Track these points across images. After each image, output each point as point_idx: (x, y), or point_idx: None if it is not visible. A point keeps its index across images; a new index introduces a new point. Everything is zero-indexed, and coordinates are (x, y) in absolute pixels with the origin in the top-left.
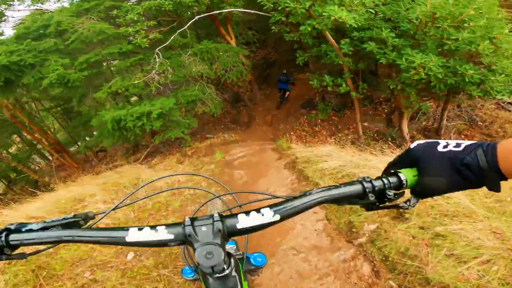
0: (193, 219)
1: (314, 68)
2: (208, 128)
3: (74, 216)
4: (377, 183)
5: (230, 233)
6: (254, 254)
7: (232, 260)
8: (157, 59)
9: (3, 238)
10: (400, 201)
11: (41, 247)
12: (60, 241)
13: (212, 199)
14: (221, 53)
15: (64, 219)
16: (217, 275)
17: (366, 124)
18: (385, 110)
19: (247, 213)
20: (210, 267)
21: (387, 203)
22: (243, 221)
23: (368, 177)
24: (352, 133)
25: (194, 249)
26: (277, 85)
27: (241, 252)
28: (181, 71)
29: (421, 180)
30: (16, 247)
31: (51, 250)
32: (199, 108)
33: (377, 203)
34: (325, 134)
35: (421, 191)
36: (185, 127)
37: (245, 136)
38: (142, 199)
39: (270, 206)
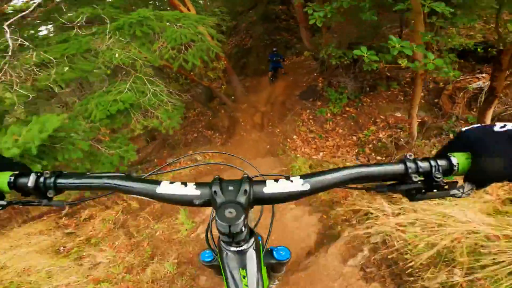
0: (221, 179)
1: (311, 44)
2: (175, 140)
3: (118, 171)
4: (423, 164)
5: (256, 199)
6: (278, 247)
7: (252, 238)
8: (9, 43)
9: (52, 179)
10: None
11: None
12: (100, 187)
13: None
14: (168, 24)
15: (108, 172)
16: (235, 246)
17: (399, 114)
18: (422, 94)
19: (276, 180)
20: (228, 226)
21: (434, 190)
22: (271, 186)
23: (410, 155)
24: (382, 128)
25: (217, 209)
26: (257, 74)
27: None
28: (91, 62)
29: (475, 161)
30: (60, 191)
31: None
32: (136, 125)
33: (423, 190)
34: (342, 133)
35: (476, 175)
36: (111, 165)
37: (229, 151)
38: (183, 168)
39: (301, 176)
